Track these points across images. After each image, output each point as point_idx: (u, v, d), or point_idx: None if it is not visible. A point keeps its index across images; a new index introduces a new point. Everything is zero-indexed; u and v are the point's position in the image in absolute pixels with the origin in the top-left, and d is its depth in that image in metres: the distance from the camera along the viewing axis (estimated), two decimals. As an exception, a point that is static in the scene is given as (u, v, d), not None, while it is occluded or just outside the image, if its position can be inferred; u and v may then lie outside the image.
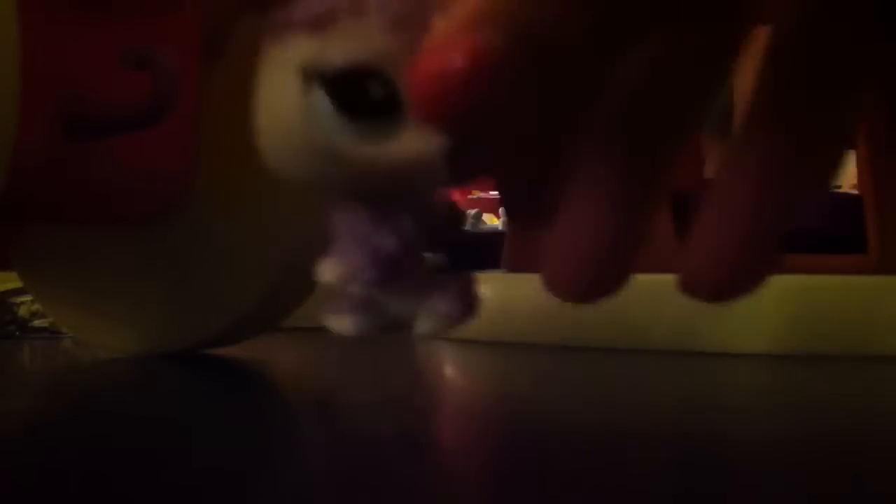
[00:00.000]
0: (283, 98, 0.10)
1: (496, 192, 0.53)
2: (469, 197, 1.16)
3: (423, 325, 0.09)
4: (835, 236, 0.44)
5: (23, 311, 0.44)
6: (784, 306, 0.36)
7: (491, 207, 1.10)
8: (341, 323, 0.10)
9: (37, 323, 0.45)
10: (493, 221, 1.05)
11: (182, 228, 0.32)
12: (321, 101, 0.09)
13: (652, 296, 0.38)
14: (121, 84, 0.27)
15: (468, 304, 0.10)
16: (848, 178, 0.97)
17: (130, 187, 0.30)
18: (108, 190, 0.29)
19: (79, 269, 0.34)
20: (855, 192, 0.51)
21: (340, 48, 0.09)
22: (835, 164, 0.10)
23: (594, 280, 0.10)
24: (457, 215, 0.10)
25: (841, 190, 0.94)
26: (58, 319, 0.36)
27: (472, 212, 0.97)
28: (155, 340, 0.33)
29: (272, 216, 0.30)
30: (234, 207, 0.31)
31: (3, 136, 0.18)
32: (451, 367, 0.36)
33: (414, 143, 0.09)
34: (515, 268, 0.49)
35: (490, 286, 0.43)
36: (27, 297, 0.44)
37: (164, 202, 0.31)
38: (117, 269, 0.33)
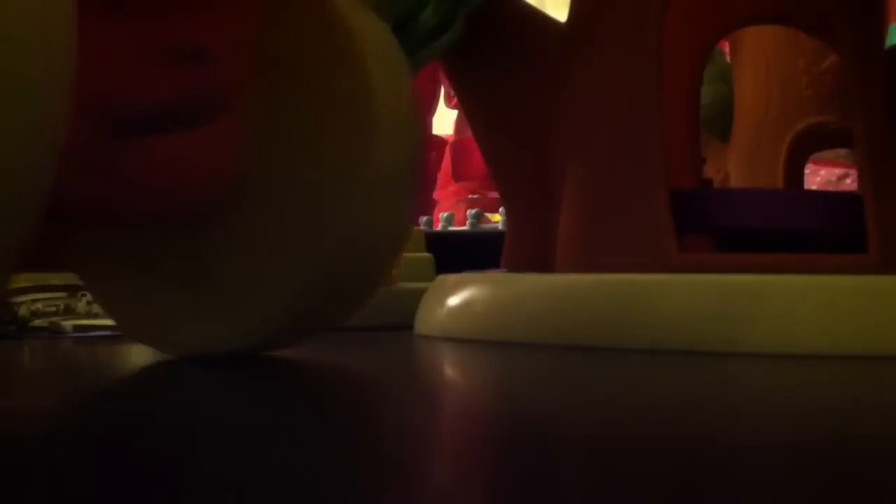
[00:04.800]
0: None
1: (496, 192, 0.53)
2: (469, 197, 1.16)
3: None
4: (835, 236, 0.44)
5: (23, 311, 0.44)
6: (784, 306, 0.36)
7: (491, 207, 1.10)
8: None
9: (37, 323, 0.45)
10: (495, 220, 1.05)
11: (236, 227, 0.31)
12: None
13: (652, 295, 0.38)
14: (169, 80, 0.26)
15: None
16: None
17: (178, 185, 0.29)
18: (154, 188, 0.28)
19: (137, 269, 0.33)
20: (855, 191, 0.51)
21: None
22: None
23: None
24: None
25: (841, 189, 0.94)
26: (116, 320, 0.34)
27: (472, 212, 0.97)
28: (212, 341, 0.32)
29: (326, 214, 0.29)
30: (287, 206, 0.30)
31: (53, 132, 0.17)
32: (450, 367, 0.36)
33: None
34: (515, 268, 0.49)
35: (490, 286, 0.43)
36: (27, 297, 0.44)
37: (214, 201, 0.30)
38: (174, 269, 0.32)
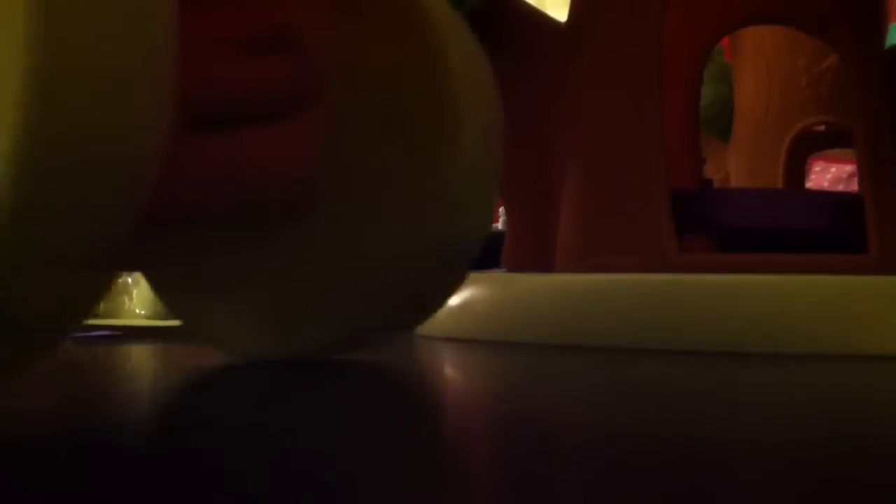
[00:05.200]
0: None
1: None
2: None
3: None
4: (835, 236, 0.44)
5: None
6: (784, 306, 0.36)
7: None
8: None
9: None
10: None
11: (317, 227, 0.30)
12: None
13: (652, 295, 0.38)
14: (255, 71, 0.25)
15: None
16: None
17: (263, 182, 0.27)
18: (237, 186, 0.27)
19: (212, 271, 0.32)
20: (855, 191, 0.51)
21: None
22: None
23: None
24: None
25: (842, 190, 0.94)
26: (189, 323, 0.33)
27: (473, 212, 0.97)
28: (290, 344, 0.31)
29: (425, 213, 0.28)
30: (379, 204, 0.29)
31: (158, 126, 0.17)
32: (450, 367, 0.36)
33: None
34: (515, 268, 0.49)
35: (490, 286, 0.43)
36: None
37: (296, 200, 0.29)
38: (248, 271, 0.31)
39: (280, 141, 0.27)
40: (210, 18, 0.25)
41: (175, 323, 0.43)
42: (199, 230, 0.30)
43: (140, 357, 0.35)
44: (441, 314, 0.44)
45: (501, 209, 0.93)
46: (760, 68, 0.60)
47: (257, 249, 0.31)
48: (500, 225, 1.00)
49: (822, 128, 0.59)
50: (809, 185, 0.89)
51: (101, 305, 0.51)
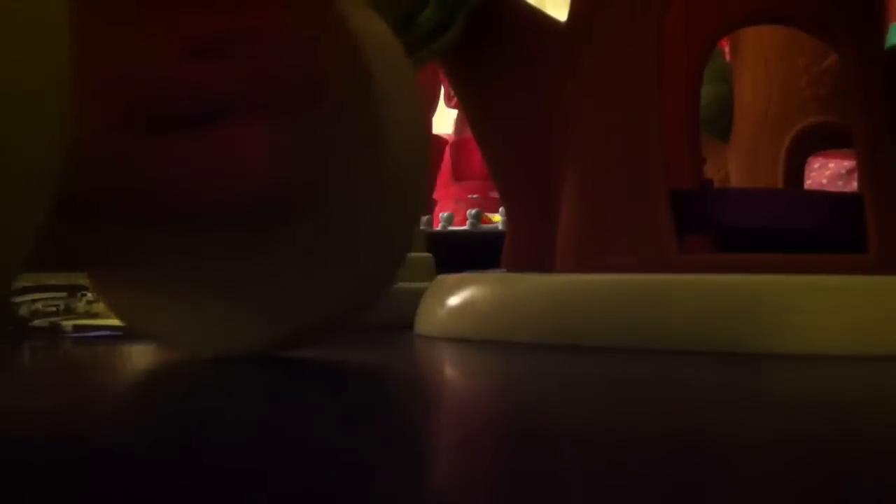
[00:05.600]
0: None
1: (496, 192, 0.53)
2: (469, 197, 1.16)
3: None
4: (835, 236, 0.44)
5: (23, 311, 0.44)
6: (784, 306, 0.36)
7: (491, 207, 1.10)
8: None
9: (37, 323, 0.45)
10: (495, 220, 1.06)
11: (307, 226, 0.30)
12: None
13: (652, 295, 0.38)
14: (197, 76, 0.25)
15: None
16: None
17: (248, 184, 0.27)
18: (206, 185, 0.26)
19: (210, 270, 0.32)
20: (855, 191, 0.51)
21: None
22: None
23: None
24: None
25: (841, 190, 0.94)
26: (130, 320, 0.33)
27: (472, 212, 0.97)
28: (241, 341, 0.31)
29: (372, 217, 0.29)
30: (358, 204, 0.30)
31: (52, 128, 0.16)
32: (450, 367, 0.36)
33: None
34: (515, 268, 0.49)
35: (490, 286, 0.43)
36: (27, 297, 0.44)
37: (286, 200, 0.29)
38: (208, 272, 0.31)
39: (270, 142, 0.27)
40: (196, 18, 0.25)
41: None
42: (187, 231, 0.30)
43: (140, 357, 0.35)
44: (441, 314, 0.44)
45: (502, 209, 0.93)
46: (760, 68, 0.60)
47: (248, 249, 0.31)
48: (500, 225, 1.00)
49: (808, 129, 0.59)
50: (808, 182, 0.89)
51: (101, 305, 0.51)
